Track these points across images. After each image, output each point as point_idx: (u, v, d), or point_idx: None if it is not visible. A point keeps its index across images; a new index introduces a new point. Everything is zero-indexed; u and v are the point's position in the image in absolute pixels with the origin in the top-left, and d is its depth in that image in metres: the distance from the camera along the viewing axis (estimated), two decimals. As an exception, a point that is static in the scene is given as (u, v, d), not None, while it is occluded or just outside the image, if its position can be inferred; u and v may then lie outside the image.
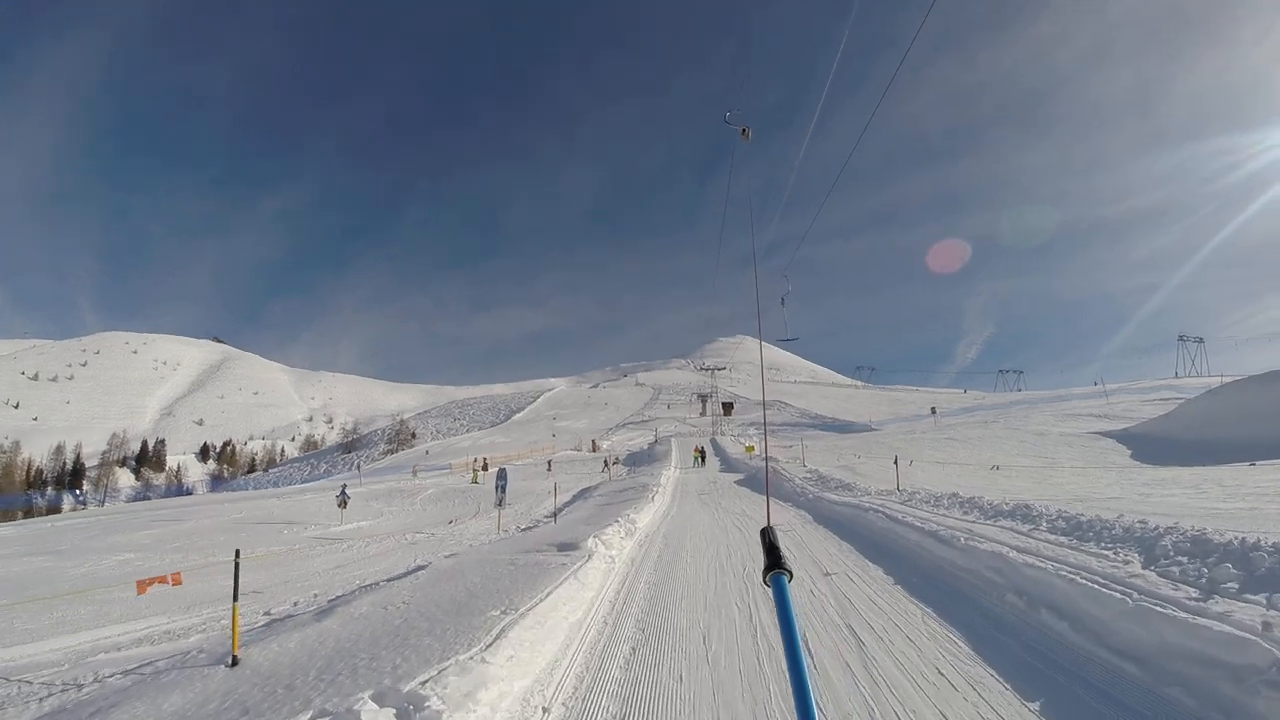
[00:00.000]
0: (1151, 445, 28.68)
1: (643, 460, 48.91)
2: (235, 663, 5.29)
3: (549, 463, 46.77)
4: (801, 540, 11.35)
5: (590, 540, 9.36)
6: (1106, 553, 6.96)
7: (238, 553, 5.71)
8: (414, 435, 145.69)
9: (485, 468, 41.22)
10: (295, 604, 9.21)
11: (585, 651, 5.51)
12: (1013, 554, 7.40)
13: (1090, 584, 5.97)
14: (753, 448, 40.47)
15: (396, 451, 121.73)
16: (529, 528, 17.66)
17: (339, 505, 23.65)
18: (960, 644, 5.59)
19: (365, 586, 8.31)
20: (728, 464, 39.54)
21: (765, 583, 1.39)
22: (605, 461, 44.53)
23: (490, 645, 4.66)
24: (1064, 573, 6.43)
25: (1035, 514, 9.38)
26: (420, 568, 8.81)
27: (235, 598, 5.53)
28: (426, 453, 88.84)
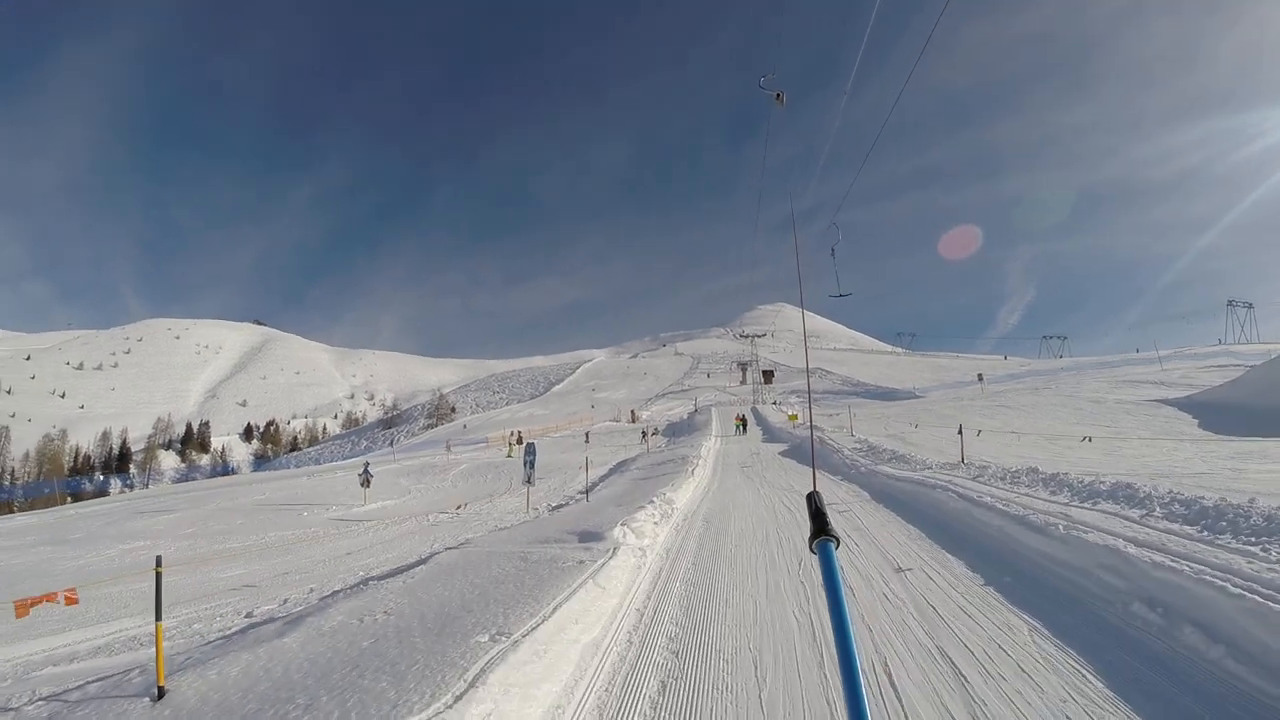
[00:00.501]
0: (1219, 414, 26.52)
1: (682, 430, 47.74)
2: (160, 695, 4.19)
3: (586, 434, 45.84)
4: (861, 523, 9.97)
5: (617, 529, 8.15)
6: (1253, 549, 5.54)
7: (159, 560, 4.57)
8: (453, 409, 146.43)
9: (520, 441, 40.36)
10: (284, 601, 8.20)
11: (599, 691, 4.25)
12: (1131, 549, 5.99)
13: (1248, 594, 4.59)
14: (796, 416, 38.93)
15: (436, 426, 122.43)
16: (560, 505, 16.59)
17: (362, 484, 22.80)
18: (1091, 678, 4.24)
19: (353, 587, 7.20)
20: (770, 433, 38.11)
21: (811, 549, 1.36)
22: (644, 433, 43.49)
23: (461, 696, 3.44)
24: (1206, 577, 5.04)
25: (1143, 496, 7.91)
26: (421, 561, 7.69)
27: (158, 616, 4.42)
28: (464, 427, 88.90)
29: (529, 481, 17.38)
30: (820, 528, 1.38)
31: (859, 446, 20.35)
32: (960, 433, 15.61)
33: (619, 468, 24.53)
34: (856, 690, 1.09)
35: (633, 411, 73.95)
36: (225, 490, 32.79)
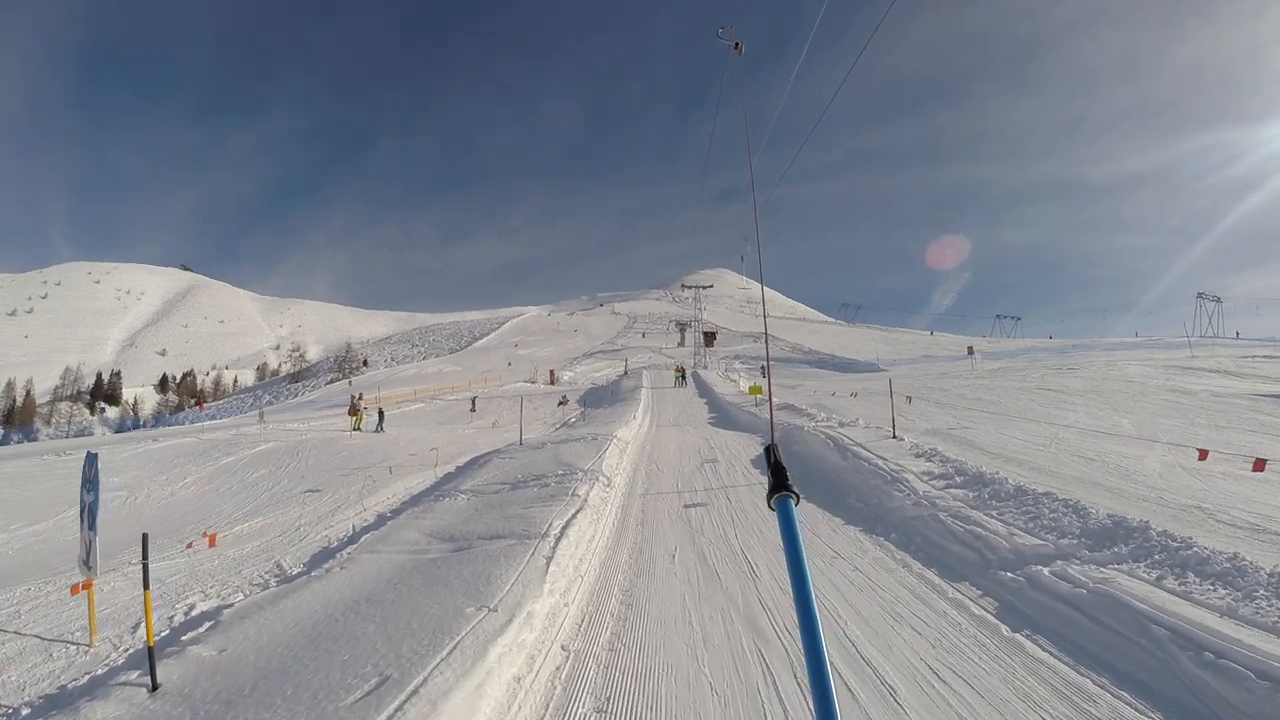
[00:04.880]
0: None
1: (603, 398, 36.71)
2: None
3: (473, 401, 34.26)
4: None
5: None
6: None
7: None
8: (365, 363, 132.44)
9: (355, 412, 28.28)
10: None
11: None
12: None
13: None
14: (759, 389, 28.08)
15: (339, 380, 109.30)
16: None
17: None
18: None
19: None
20: (721, 411, 27.21)
21: (770, 506, 1.29)
22: (562, 400, 32.51)
23: None
24: None
25: None
26: None
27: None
28: (349, 384, 76.60)
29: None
30: (780, 483, 1.29)
31: (943, 473, 9.43)
32: None
33: (444, 485, 12.85)
34: (818, 647, 1.01)
35: (552, 372, 62.69)
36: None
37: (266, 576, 8.21)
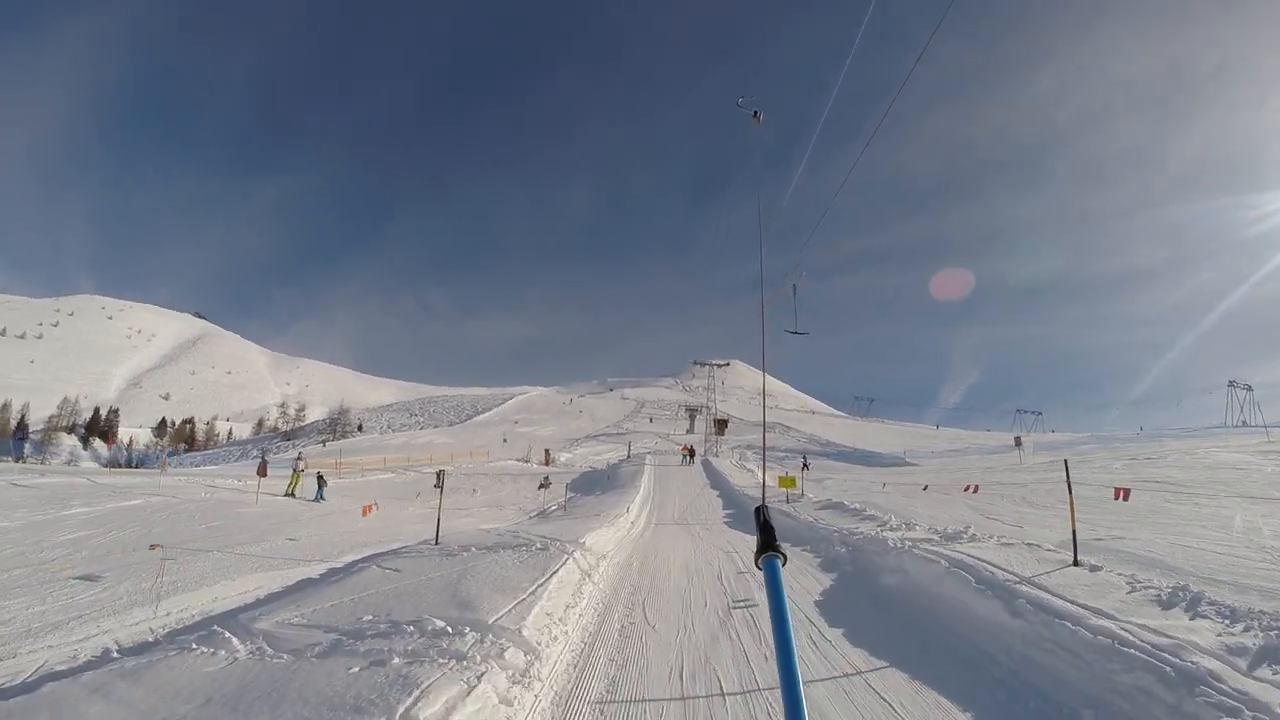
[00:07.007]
0: None
1: (596, 484, 31.45)
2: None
3: (439, 475, 28.76)
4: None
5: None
6: None
7: None
8: (360, 427, 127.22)
9: (264, 473, 23.07)
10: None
11: None
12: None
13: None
14: (793, 481, 22.29)
15: (330, 441, 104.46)
16: None
17: None
18: None
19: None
20: (737, 507, 21.83)
21: (757, 565, 1.29)
22: (541, 481, 27.45)
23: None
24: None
25: None
26: None
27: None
28: (320, 446, 71.38)
29: None
30: (768, 542, 1.29)
31: (1271, 646, 4.03)
32: None
33: (226, 621, 7.40)
34: (798, 708, 1.01)
35: (547, 451, 57.35)
36: None
37: None
